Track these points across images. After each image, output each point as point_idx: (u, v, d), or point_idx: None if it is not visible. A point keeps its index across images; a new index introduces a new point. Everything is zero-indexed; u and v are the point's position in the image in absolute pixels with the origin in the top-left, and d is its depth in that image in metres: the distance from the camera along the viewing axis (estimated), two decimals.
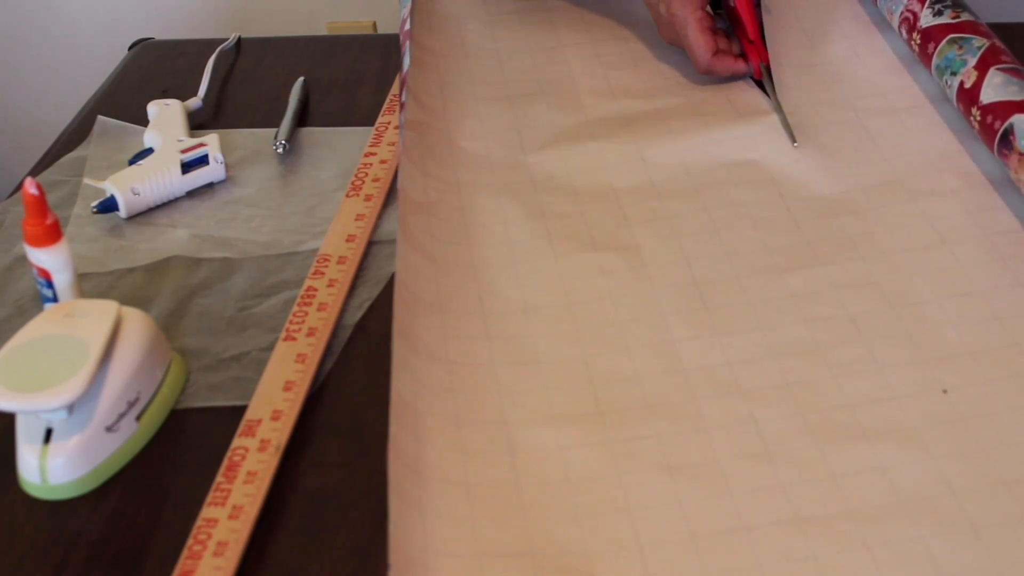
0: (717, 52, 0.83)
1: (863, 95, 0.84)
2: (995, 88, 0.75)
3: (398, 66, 0.90)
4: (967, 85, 0.77)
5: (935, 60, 0.81)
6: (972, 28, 0.80)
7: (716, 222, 0.73)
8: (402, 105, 0.78)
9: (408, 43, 0.84)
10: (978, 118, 0.75)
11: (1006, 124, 0.72)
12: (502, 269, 0.69)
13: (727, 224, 0.73)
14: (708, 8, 0.84)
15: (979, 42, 0.79)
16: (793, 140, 0.79)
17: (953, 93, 0.79)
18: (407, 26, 0.86)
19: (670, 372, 0.63)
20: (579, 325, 0.66)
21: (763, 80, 0.84)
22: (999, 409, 0.60)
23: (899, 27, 0.86)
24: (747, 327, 0.65)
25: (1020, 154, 0.71)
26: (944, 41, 0.80)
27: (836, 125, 0.81)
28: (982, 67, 0.76)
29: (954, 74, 0.79)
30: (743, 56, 0.85)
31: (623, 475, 0.57)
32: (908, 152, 0.78)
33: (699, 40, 0.82)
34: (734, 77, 0.85)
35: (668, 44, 0.87)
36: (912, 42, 0.84)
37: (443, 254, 0.70)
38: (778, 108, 0.82)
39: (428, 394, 0.60)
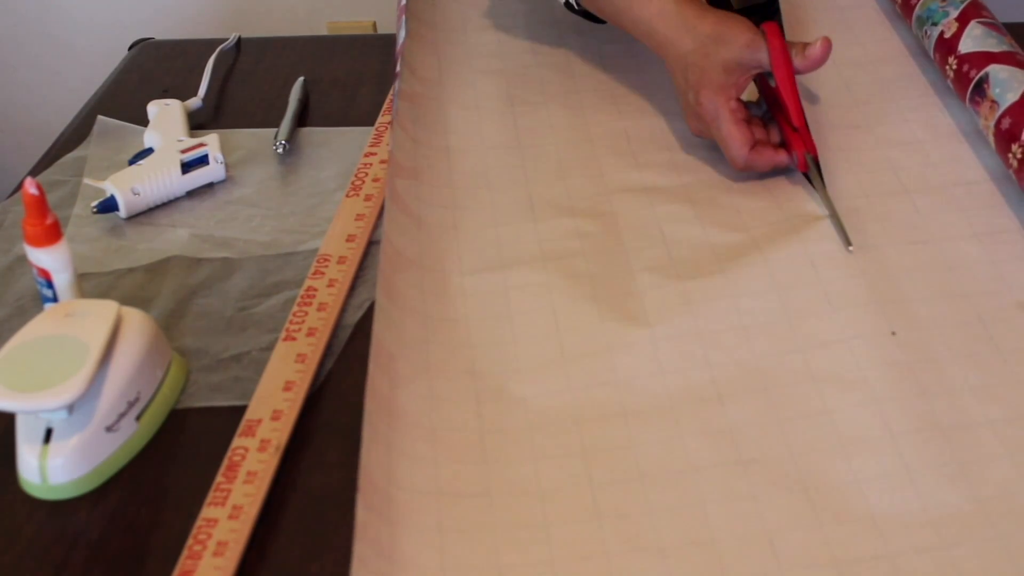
0: (755, 145, 0.74)
1: (841, 44, 0.86)
2: (974, 39, 0.76)
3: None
4: (947, 35, 0.79)
5: (917, 11, 0.83)
6: None
7: (688, 181, 0.75)
8: (396, 75, 0.80)
9: (404, 17, 0.86)
10: (954, 67, 0.77)
11: (981, 73, 0.74)
12: (483, 230, 0.72)
13: (697, 173, 0.75)
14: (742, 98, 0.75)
15: None
16: (848, 243, 0.69)
17: (931, 43, 0.80)
18: (403, 1, 0.88)
19: (635, 321, 0.65)
20: (551, 279, 0.68)
21: (810, 173, 0.74)
22: (942, 355, 0.62)
23: None
24: (709, 271, 0.68)
25: (992, 102, 0.72)
26: None
27: (812, 72, 0.82)
28: (963, 19, 0.78)
29: (935, 24, 0.80)
30: (784, 146, 0.75)
31: (581, 421, 0.59)
32: (879, 101, 0.81)
33: (734, 133, 0.73)
34: (775, 171, 0.75)
35: (696, 136, 0.77)
36: None
37: (428, 216, 0.72)
38: (828, 204, 0.72)
39: (404, 344, 0.62)
